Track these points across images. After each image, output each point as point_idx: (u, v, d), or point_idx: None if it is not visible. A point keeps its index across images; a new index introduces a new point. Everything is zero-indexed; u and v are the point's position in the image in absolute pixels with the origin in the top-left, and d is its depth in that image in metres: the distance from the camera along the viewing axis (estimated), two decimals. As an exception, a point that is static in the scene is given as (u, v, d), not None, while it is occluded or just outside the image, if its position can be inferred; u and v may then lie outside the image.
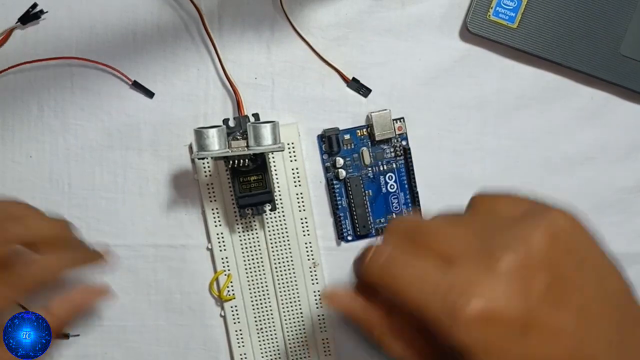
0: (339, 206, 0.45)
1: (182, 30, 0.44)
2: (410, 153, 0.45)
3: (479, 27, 0.44)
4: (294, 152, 0.44)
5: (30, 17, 0.43)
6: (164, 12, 0.44)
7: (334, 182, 0.45)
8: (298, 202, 0.44)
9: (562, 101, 0.46)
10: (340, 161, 0.45)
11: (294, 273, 0.45)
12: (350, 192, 0.45)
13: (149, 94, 0.44)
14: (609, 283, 0.26)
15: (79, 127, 0.44)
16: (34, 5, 0.43)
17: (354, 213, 0.45)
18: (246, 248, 0.44)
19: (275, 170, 0.44)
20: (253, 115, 0.43)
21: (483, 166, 0.46)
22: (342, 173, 0.45)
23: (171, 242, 0.45)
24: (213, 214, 0.44)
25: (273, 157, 0.44)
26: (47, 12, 0.44)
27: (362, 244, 0.46)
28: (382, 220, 0.46)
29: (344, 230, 0.45)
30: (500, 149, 0.46)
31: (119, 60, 0.44)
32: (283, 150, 0.39)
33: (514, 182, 0.46)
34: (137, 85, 0.44)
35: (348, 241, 0.46)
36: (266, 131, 0.38)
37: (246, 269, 0.44)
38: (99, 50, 0.44)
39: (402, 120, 0.45)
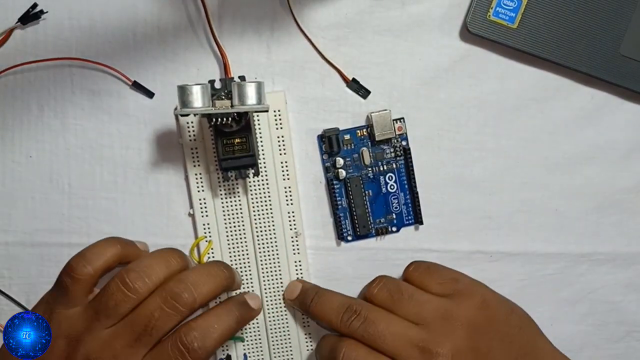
0: (339, 206, 0.45)
1: (182, 30, 0.44)
2: (410, 153, 0.45)
3: (479, 27, 0.44)
4: (279, 119, 0.44)
5: (30, 17, 0.43)
6: (164, 12, 0.44)
7: (334, 182, 0.45)
8: (282, 171, 0.44)
9: (562, 101, 0.46)
10: (340, 161, 0.45)
11: (275, 242, 0.44)
12: (350, 192, 0.45)
13: (149, 94, 0.44)
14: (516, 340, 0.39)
15: (79, 127, 0.44)
16: (34, 5, 0.43)
17: (354, 213, 0.45)
18: (228, 214, 0.44)
19: (260, 136, 0.44)
20: (239, 77, 0.43)
21: (483, 166, 0.46)
22: (342, 173, 0.45)
23: (171, 242, 0.45)
24: (196, 178, 0.44)
25: (258, 120, 0.44)
26: (47, 12, 0.44)
27: (362, 244, 0.46)
28: (382, 221, 0.46)
29: (344, 230, 0.45)
30: (500, 149, 0.46)
31: (119, 60, 0.44)
32: (267, 111, 0.38)
33: (514, 182, 0.46)
34: (137, 85, 0.44)
35: (348, 241, 0.46)
36: (251, 90, 0.38)
37: (227, 235, 0.44)
38: (99, 50, 0.44)
39: (402, 120, 0.45)
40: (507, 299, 0.40)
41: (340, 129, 0.45)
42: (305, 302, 0.42)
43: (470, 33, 0.44)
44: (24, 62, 0.44)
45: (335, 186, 0.45)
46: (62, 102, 0.44)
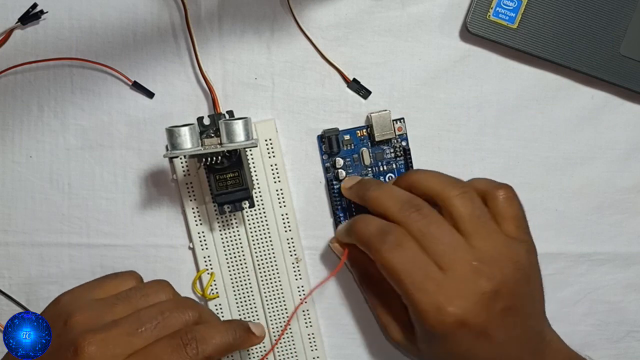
0: (339, 206, 0.45)
1: (182, 30, 0.44)
2: (410, 153, 0.45)
3: (479, 27, 0.44)
4: (272, 148, 0.44)
5: (30, 17, 0.43)
6: (164, 12, 0.44)
7: (334, 182, 0.45)
8: (278, 198, 0.44)
9: (562, 101, 0.46)
10: (340, 162, 0.45)
11: (276, 269, 0.44)
12: (350, 192, 0.45)
13: (149, 94, 0.44)
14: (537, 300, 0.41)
15: (79, 127, 0.44)
16: (34, 5, 0.43)
17: (354, 213, 0.45)
18: (228, 246, 0.44)
19: (254, 166, 0.44)
20: (227, 112, 0.43)
21: (483, 166, 0.46)
22: (342, 173, 0.45)
23: (171, 242, 0.45)
24: (193, 212, 0.44)
25: (251, 154, 0.44)
26: (47, 12, 0.44)
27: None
28: (382, 221, 0.46)
29: (344, 230, 0.45)
30: (500, 149, 0.46)
31: (119, 60, 0.44)
32: (256, 146, 0.39)
33: (514, 182, 0.46)
34: (137, 86, 0.44)
35: (348, 241, 0.46)
36: (238, 127, 0.38)
37: (229, 266, 0.44)
38: (99, 50, 0.44)
39: (402, 120, 0.45)
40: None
41: (340, 129, 0.45)
42: (363, 189, 0.41)
43: (470, 33, 0.44)
44: (24, 62, 0.44)
45: (335, 186, 0.45)
46: (62, 102, 0.44)
